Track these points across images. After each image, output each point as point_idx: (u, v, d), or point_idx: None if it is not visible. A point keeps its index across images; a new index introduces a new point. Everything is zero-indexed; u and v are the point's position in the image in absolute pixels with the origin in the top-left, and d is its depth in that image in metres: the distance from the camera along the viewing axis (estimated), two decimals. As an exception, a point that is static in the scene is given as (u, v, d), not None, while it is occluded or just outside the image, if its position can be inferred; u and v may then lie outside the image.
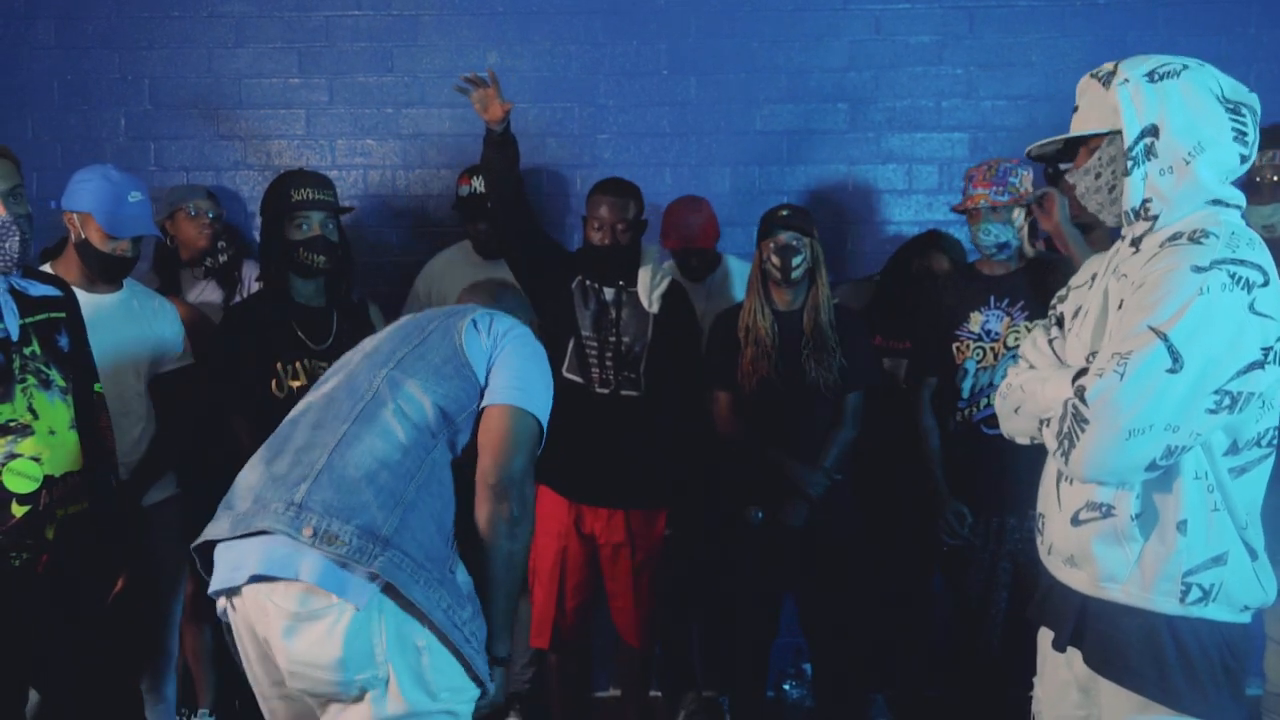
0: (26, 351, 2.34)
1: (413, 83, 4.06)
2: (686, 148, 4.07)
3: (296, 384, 2.92)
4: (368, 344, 2.24)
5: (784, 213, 3.21)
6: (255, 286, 3.41)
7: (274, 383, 2.91)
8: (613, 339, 3.25)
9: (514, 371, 2.11)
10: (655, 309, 3.28)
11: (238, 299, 3.55)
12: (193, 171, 4.05)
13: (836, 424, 3.26)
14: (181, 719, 3.53)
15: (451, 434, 2.04)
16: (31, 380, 2.33)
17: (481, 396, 2.09)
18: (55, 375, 2.39)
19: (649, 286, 3.29)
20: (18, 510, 2.27)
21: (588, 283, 3.29)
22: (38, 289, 2.44)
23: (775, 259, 3.17)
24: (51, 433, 2.34)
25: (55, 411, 2.36)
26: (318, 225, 2.94)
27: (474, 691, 1.98)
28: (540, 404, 2.12)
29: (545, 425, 2.13)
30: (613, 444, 3.16)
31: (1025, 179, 3.09)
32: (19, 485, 2.28)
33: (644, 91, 4.06)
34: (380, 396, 2.03)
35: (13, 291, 2.36)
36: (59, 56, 4.02)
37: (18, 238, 2.30)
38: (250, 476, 2.03)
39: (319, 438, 2.00)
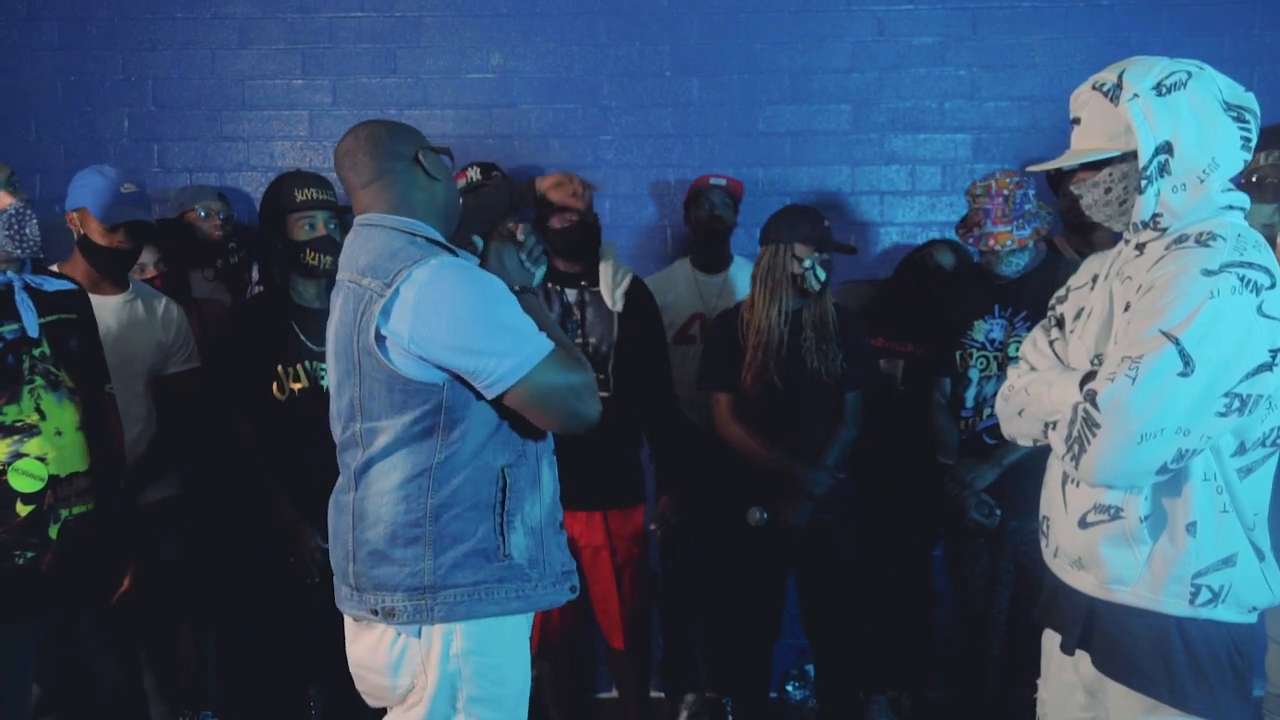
0: (36, 352, 2.36)
1: (415, 84, 4.06)
2: (689, 149, 4.07)
3: (297, 386, 2.91)
4: (331, 377, 2.06)
5: (827, 224, 3.19)
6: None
7: (275, 385, 2.90)
8: (579, 341, 3.24)
9: (475, 348, 1.84)
10: (619, 307, 3.27)
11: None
12: (196, 173, 4.06)
13: (838, 422, 3.26)
14: (184, 719, 3.53)
15: (451, 436, 1.92)
16: (40, 381, 2.35)
17: (459, 382, 1.89)
18: (64, 376, 2.40)
19: (611, 284, 3.28)
20: (22, 509, 2.29)
21: (549, 285, 3.28)
22: (53, 284, 2.47)
23: (820, 272, 3.14)
24: (58, 433, 2.36)
25: (63, 412, 2.38)
26: (322, 225, 2.94)
27: (513, 689, 2.04)
28: (520, 343, 1.87)
29: (539, 339, 1.90)
30: (585, 446, 3.12)
31: (1032, 198, 3.08)
32: (24, 485, 2.30)
33: (647, 93, 4.06)
34: (367, 455, 1.96)
35: (28, 289, 2.38)
36: (62, 58, 4.03)
37: (35, 221, 2.36)
38: (329, 554, 2.13)
39: (341, 522, 2.05)
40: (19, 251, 2.33)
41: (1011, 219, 3.04)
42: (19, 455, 2.29)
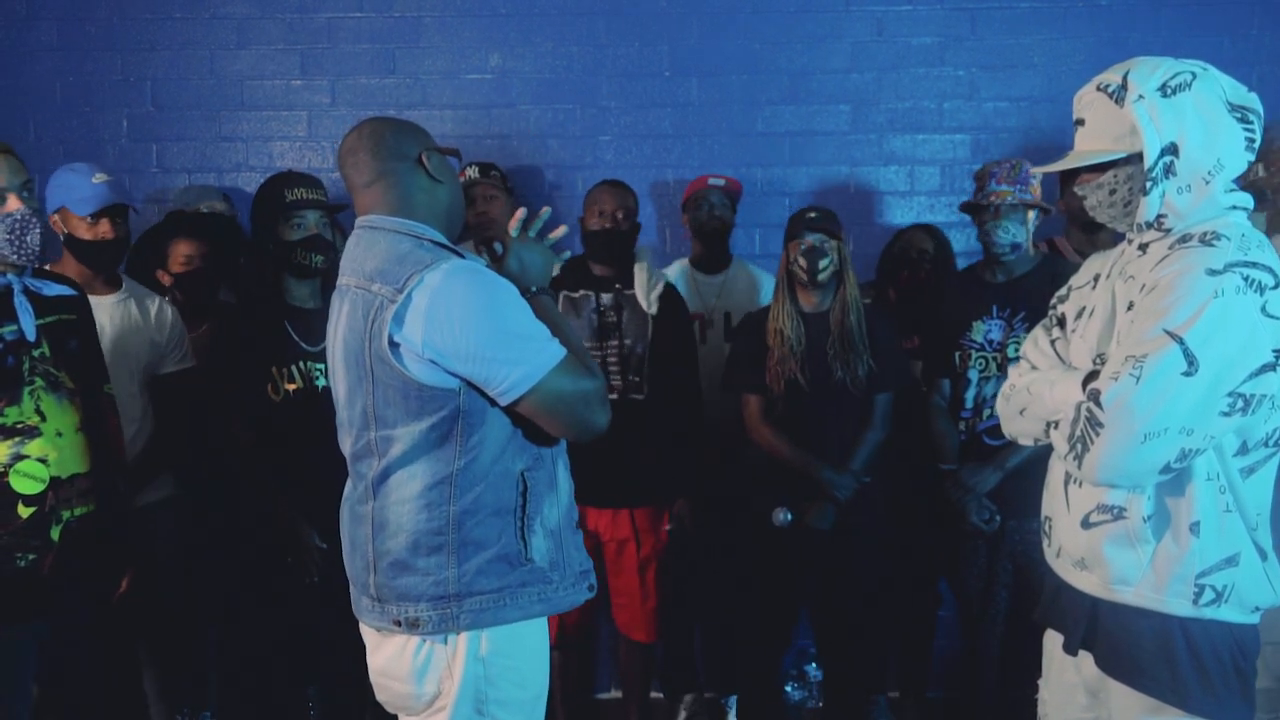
0: (36, 354, 2.36)
1: (414, 84, 4.06)
2: (688, 149, 4.07)
3: (292, 386, 2.90)
4: (339, 385, 2.03)
5: (811, 214, 3.21)
6: None
7: (270, 386, 2.90)
8: (614, 344, 3.26)
9: (486, 356, 1.83)
10: (654, 310, 3.30)
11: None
12: (195, 173, 4.05)
13: (865, 425, 3.24)
14: (184, 719, 3.53)
15: (470, 442, 1.90)
16: (40, 382, 2.35)
17: (473, 388, 1.88)
18: (64, 378, 2.41)
19: (646, 288, 3.31)
20: (24, 511, 2.30)
21: (578, 293, 3.31)
22: (52, 289, 2.47)
23: (802, 261, 3.17)
24: (59, 434, 2.36)
25: (63, 413, 2.38)
26: (314, 224, 2.93)
27: (532, 692, 2.04)
28: (531, 351, 1.86)
29: (550, 346, 1.88)
30: (616, 447, 3.14)
31: (1035, 185, 3.13)
32: (25, 486, 2.30)
33: (646, 93, 4.06)
34: (385, 463, 1.94)
35: (27, 292, 2.38)
36: (61, 58, 4.02)
37: (38, 230, 2.34)
38: (346, 564, 2.11)
39: (360, 532, 2.02)
40: (15, 258, 2.32)
41: (1016, 181, 3.10)
42: (20, 457, 2.29)
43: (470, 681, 1.94)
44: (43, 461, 2.32)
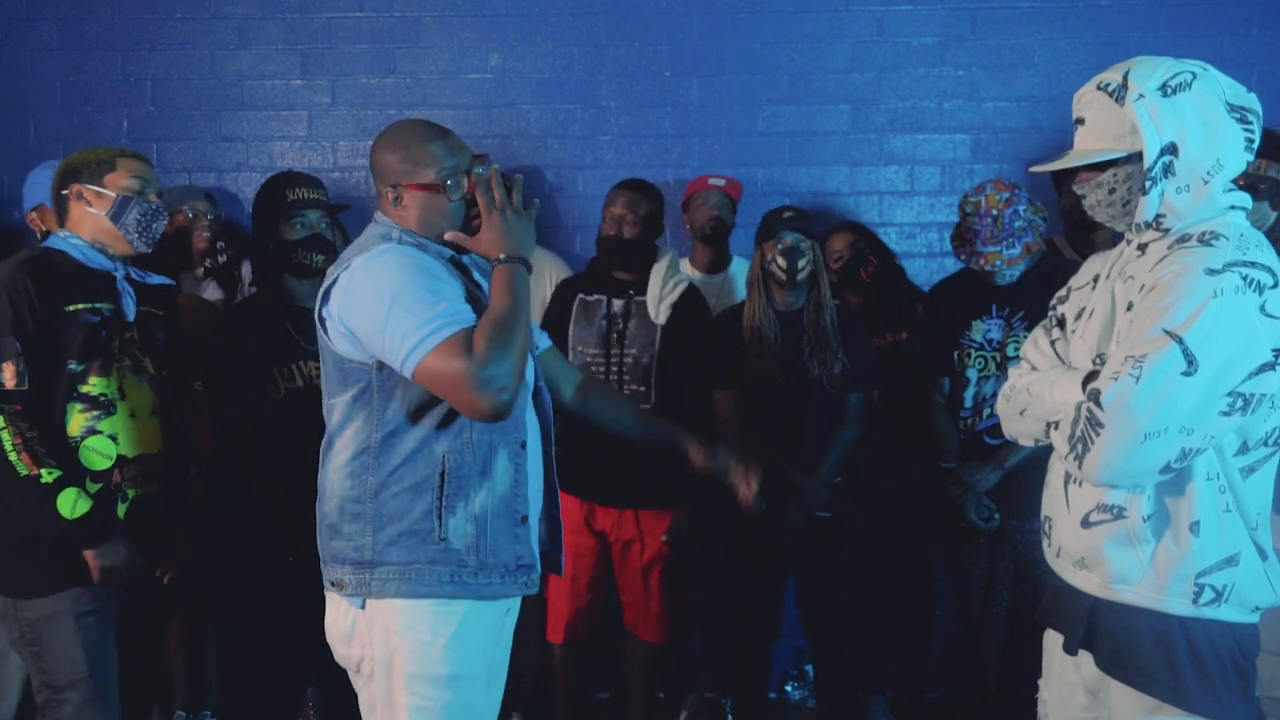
0: (127, 336, 2.56)
1: (415, 84, 4.07)
2: (689, 149, 4.08)
3: (292, 386, 2.91)
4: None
5: (788, 214, 3.22)
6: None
7: (271, 386, 2.90)
8: (616, 352, 3.25)
9: (381, 331, 1.91)
10: (663, 319, 3.26)
11: (238, 299, 3.54)
12: (195, 173, 4.06)
13: (841, 423, 3.26)
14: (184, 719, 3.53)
15: (385, 416, 2.00)
16: (128, 362, 2.55)
17: (382, 366, 1.97)
18: (148, 363, 2.61)
19: (658, 295, 3.28)
20: (91, 486, 2.46)
21: (593, 297, 3.29)
22: (154, 279, 2.67)
23: (781, 260, 3.18)
24: (132, 415, 2.55)
25: (141, 395, 2.57)
26: (315, 224, 2.94)
27: (455, 671, 2.05)
28: (420, 326, 1.88)
29: (446, 322, 1.90)
30: (622, 449, 3.14)
31: (1028, 210, 3.09)
32: (95, 462, 2.47)
33: (646, 93, 4.06)
34: (329, 432, 2.10)
35: (130, 280, 2.59)
36: (61, 58, 4.03)
37: (164, 221, 2.60)
38: None
39: (318, 499, 2.15)
40: (138, 241, 2.52)
41: (1000, 239, 3.06)
42: (94, 431, 2.47)
43: (384, 650, 2.02)
44: (112, 439, 2.49)
